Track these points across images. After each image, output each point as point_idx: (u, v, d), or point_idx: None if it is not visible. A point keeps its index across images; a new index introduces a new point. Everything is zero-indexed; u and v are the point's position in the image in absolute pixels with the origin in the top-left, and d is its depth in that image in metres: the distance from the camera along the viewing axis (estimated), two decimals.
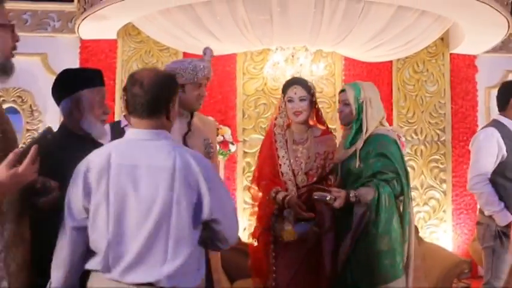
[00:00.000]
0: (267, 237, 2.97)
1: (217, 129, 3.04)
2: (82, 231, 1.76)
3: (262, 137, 4.89)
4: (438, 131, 5.37)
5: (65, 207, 1.78)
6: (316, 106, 3.12)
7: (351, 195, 2.63)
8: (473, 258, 4.58)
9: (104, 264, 1.72)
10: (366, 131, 2.79)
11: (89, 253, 1.78)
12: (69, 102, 2.22)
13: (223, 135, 4.80)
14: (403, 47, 4.74)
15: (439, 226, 5.32)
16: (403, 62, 5.35)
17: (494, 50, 5.26)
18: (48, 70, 5.08)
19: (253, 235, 3.02)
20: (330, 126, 3.29)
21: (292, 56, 4.78)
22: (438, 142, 5.37)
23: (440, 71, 5.40)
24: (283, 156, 3.02)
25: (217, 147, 4.42)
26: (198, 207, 1.77)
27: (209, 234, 1.85)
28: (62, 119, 2.33)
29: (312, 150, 3.01)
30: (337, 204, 2.62)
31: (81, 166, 1.79)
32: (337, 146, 3.00)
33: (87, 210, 1.75)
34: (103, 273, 1.72)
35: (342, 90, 2.94)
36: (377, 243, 2.64)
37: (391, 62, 5.29)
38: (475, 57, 5.41)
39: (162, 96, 1.83)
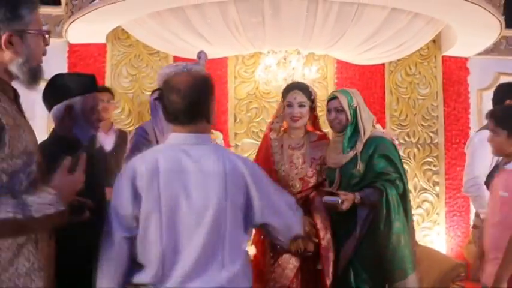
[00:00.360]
0: (264, 244, 2.94)
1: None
2: (131, 241, 1.71)
3: (255, 142, 4.88)
4: (431, 134, 5.35)
5: (112, 217, 1.72)
6: (315, 112, 3.09)
7: (356, 197, 2.67)
8: (468, 261, 4.55)
9: (157, 276, 1.67)
10: (364, 134, 2.82)
11: (134, 266, 1.73)
12: (61, 109, 2.17)
13: (215, 140, 4.74)
14: (395, 50, 4.72)
15: (432, 229, 5.29)
16: (396, 65, 5.33)
17: (486, 52, 5.26)
18: None
19: (252, 241, 2.99)
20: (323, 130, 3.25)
21: (285, 59, 4.73)
22: (431, 145, 5.35)
23: (433, 74, 5.38)
24: (278, 162, 2.99)
25: None
26: (249, 210, 1.77)
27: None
28: (51, 125, 2.27)
29: (308, 156, 2.98)
30: (344, 206, 2.64)
31: (126, 172, 1.74)
32: (328, 151, 2.97)
33: (136, 219, 1.69)
34: (155, 285, 1.66)
35: (333, 98, 2.91)
36: (389, 241, 2.69)
37: (383, 64, 5.27)
38: (466, 59, 5.41)
39: (201, 101, 1.81)
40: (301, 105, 2.96)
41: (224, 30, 4.13)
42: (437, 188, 5.29)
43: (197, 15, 4.02)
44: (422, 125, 5.34)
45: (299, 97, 2.97)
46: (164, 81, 1.89)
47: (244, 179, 1.76)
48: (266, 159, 3.04)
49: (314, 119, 3.11)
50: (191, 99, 1.78)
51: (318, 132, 3.11)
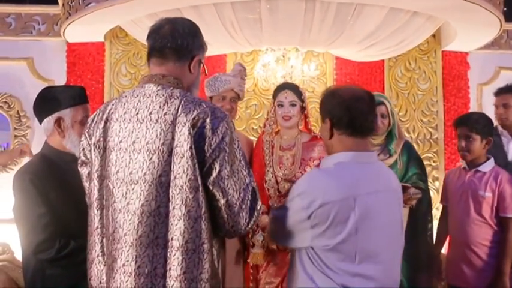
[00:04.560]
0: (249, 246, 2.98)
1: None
2: None
3: (254, 138, 4.88)
4: (431, 129, 5.34)
5: None
6: (306, 112, 3.09)
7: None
8: None
9: None
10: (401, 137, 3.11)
11: None
12: (51, 121, 2.18)
13: None
14: (395, 47, 4.69)
15: (431, 223, 5.30)
16: (395, 60, 5.29)
17: (486, 46, 5.22)
18: (35, 75, 4.99)
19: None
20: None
21: (283, 57, 4.73)
22: (431, 140, 5.34)
23: (433, 69, 5.35)
24: (268, 163, 3.00)
25: None
26: None
27: None
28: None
29: (298, 156, 2.98)
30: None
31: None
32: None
33: None
34: None
35: (379, 103, 2.96)
36: (427, 235, 3.14)
37: (383, 60, 5.23)
38: (467, 54, 5.37)
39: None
40: (292, 105, 2.97)
41: (221, 30, 4.12)
42: (436, 183, 5.29)
43: (194, 15, 3.99)
44: (422, 121, 5.33)
45: (290, 96, 2.98)
46: (345, 92, 1.83)
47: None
48: (260, 162, 3.05)
49: (305, 118, 3.12)
50: (373, 111, 1.87)
51: (311, 134, 3.12)
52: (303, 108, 3.04)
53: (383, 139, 3.09)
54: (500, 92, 3.51)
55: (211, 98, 2.99)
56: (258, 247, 2.85)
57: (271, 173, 2.97)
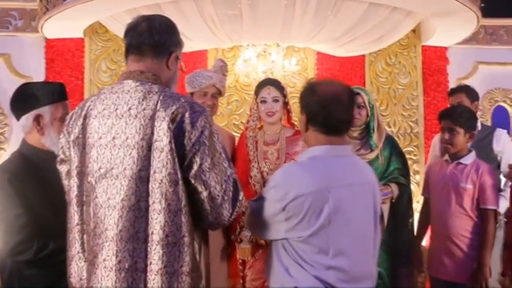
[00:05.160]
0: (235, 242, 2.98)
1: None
2: None
3: (236, 134, 4.88)
4: (411, 123, 5.39)
5: None
6: (288, 107, 3.10)
7: (394, 191, 2.99)
8: None
9: None
10: (382, 131, 3.09)
11: None
12: (30, 119, 2.14)
13: None
14: (375, 42, 4.72)
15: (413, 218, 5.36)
16: (376, 55, 5.33)
17: (465, 41, 5.29)
18: (13, 71, 4.91)
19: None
20: None
21: (264, 52, 4.73)
22: (411, 134, 5.39)
23: (413, 63, 5.40)
24: (253, 158, 3.01)
25: None
26: None
27: None
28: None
29: (283, 151, 2.99)
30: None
31: None
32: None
33: None
34: None
35: (355, 94, 2.95)
36: (407, 230, 3.14)
37: (363, 55, 5.27)
38: (446, 49, 5.43)
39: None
40: (275, 100, 2.99)
41: (201, 25, 4.11)
42: (417, 177, 5.34)
43: (174, 10, 3.97)
44: (402, 115, 5.37)
45: (273, 92, 2.99)
46: (322, 91, 1.81)
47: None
48: (243, 157, 3.05)
49: (288, 113, 3.14)
50: (351, 110, 1.86)
51: (294, 128, 3.13)
52: (285, 104, 3.06)
53: (360, 133, 3.08)
54: (453, 92, 3.61)
55: (192, 94, 2.97)
56: (246, 242, 2.86)
57: (257, 168, 2.98)
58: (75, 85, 4.95)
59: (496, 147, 3.46)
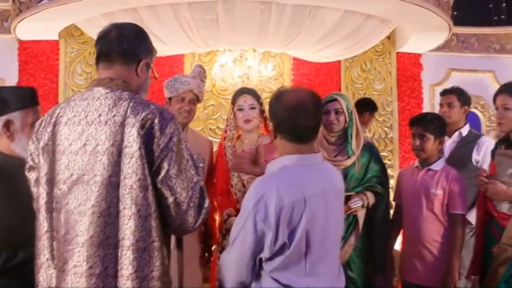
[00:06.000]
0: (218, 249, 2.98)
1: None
2: None
3: (213, 139, 4.89)
4: (386, 129, 5.47)
5: None
6: (265, 115, 3.12)
7: (370, 199, 2.93)
8: None
9: None
10: (361, 138, 3.03)
11: None
12: (0, 124, 2.10)
13: None
14: (351, 48, 4.78)
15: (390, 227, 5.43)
16: (351, 61, 5.40)
17: (438, 48, 5.40)
18: None
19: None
20: None
21: (241, 57, 4.76)
22: (386, 139, 5.47)
23: (387, 70, 5.49)
24: (232, 168, 3.01)
25: None
26: None
27: None
28: None
29: (262, 159, 3.00)
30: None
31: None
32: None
33: None
34: None
35: (332, 100, 2.97)
36: (383, 238, 3.05)
37: (339, 61, 5.34)
38: (420, 55, 5.54)
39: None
40: (251, 108, 3.00)
41: (178, 30, 4.11)
42: (391, 182, 5.41)
43: (150, 15, 3.97)
44: (377, 120, 5.44)
45: (249, 100, 3.01)
46: (285, 99, 1.81)
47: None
48: (223, 167, 3.06)
49: (264, 121, 3.15)
50: (319, 117, 1.86)
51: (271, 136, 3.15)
52: (261, 112, 3.07)
53: (338, 139, 3.09)
54: (445, 93, 3.65)
55: (170, 99, 2.95)
56: None
57: (237, 177, 2.99)
58: (50, 88, 4.90)
59: (476, 155, 3.46)
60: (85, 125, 1.62)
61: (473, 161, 3.40)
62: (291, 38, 4.36)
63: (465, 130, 3.52)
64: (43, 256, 1.66)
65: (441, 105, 3.59)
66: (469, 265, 2.93)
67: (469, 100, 3.62)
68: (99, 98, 1.65)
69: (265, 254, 1.67)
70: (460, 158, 3.37)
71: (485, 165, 3.31)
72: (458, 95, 3.54)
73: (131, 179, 1.54)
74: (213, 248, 3.09)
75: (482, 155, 3.38)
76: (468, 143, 3.48)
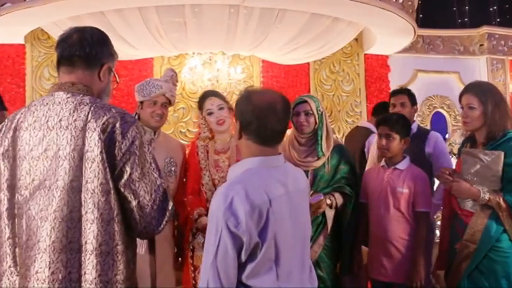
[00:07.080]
0: (187, 250, 2.99)
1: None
2: None
3: (183, 142, 4.89)
4: None
5: None
6: (234, 114, 3.14)
7: (337, 199, 2.95)
8: None
9: None
10: (331, 139, 3.06)
11: None
12: None
13: None
14: (319, 50, 4.84)
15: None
16: (320, 63, 5.46)
17: (404, 50, 5.51)
18: None
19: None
20: None
21: (210, 60, 4.76)
22: None
23: (356, 71, 5.57)
24: (204, 167, 3.03)
25: None
26: None
27: None
28: None
29: (233, 159, 3.03)
30: (324, 206, 2.92)
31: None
32: (291, 152, 3.06)
33: None
34: None
35: (302, 101, 2.98)
36: (352, 238, 3.07)
37: (308, 63, 5.39)
38: (387, 57, 5.63)
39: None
40: (220, 108, 3.03)
41: (146, 33, 4.09)
42: None
43: (118, 19, 3.95)
44: (346, 121, 5.52)
45: (216, 101, 3.03)
46: (255, 100, 1.77)
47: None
48: (195, 166, 3.07)
49: (236, 120, 3.17)
50: (287, 120, 1.82)
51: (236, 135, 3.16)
52: (230, 110, 3.09)
53: (308, 140, 3.11)
54: (397, 93, 3.76)
55: (142, 102, 2.95)
56: (200, 249, 2.87)
57: (208, 176, 3.01)
58: (16, 93, 4.82)
59: (427, 148, 3.60)
60: (46, 130, 1.61)
61: (426, 154, 3.54)
62: (259, 41, 4.39)
63: (414, 127, 3.64)
64: (5, 263, 1.65)
65: (393, 105, 3.68)
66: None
67: (416, 100, 3.76)
68: (60, 102, 1.64)
69: (241, 259, 1.64)
70: (414, 152, 3.46)
71: (435, 159, 3.49)
72: (409, 95, 3.67)
73: (93, 184, 1.54)
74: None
75: (433, 147, 3.53)
76: (418, 138, 3.60)
